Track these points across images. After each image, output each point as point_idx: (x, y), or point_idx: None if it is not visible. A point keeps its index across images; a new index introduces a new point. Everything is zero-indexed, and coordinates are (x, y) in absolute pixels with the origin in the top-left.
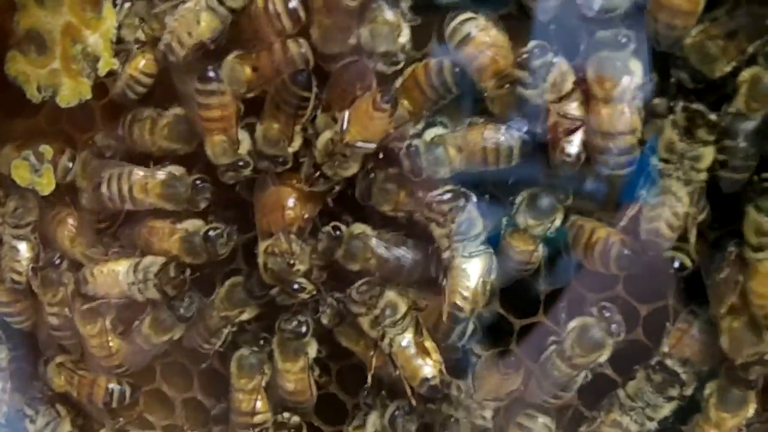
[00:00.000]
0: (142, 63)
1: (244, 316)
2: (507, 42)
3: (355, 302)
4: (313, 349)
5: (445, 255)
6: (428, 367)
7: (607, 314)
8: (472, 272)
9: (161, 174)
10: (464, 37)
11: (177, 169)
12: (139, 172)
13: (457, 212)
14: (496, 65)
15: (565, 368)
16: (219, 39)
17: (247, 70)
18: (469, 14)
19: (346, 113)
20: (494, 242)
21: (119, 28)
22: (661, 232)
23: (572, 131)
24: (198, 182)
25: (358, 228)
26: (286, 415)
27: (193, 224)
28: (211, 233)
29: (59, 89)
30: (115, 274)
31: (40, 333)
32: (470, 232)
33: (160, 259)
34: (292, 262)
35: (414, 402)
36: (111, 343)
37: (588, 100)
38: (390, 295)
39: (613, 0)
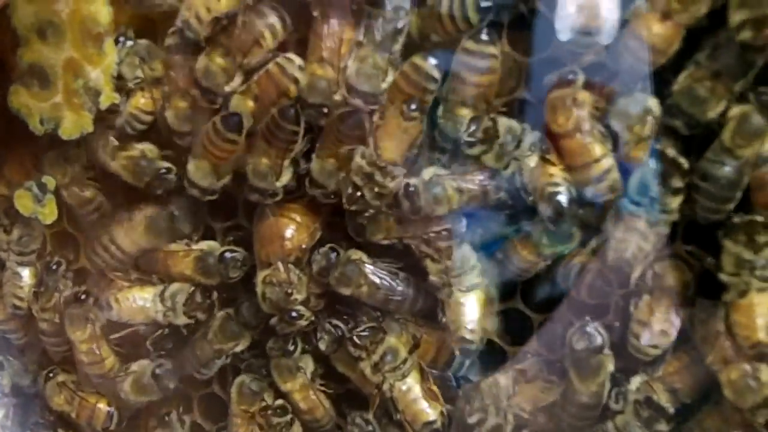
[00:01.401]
0: (142, 101)
1: (239, 348)
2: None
3: (355, 346)
4: (309, 365)
5: (444, 290)
6: (430, 411)
7: (584, 340)
8: (472, 305)
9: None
10: (489, 56)
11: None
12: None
13: (453, 249)
14: (492, 89)
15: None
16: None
17: (249, 103)
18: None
19: (374, 136)
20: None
21: (119, 64)
22: (627, 261)
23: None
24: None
25: (355, 254)
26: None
27: (208, 245)
28: (227, 255)
29: (61, 122)
30: (141, 301)
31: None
32: (466, 266)
33: (186, 287)
34: (290, 291)
35: None
36: (101, 350)
37: (554, 142)
38: (390, 340)
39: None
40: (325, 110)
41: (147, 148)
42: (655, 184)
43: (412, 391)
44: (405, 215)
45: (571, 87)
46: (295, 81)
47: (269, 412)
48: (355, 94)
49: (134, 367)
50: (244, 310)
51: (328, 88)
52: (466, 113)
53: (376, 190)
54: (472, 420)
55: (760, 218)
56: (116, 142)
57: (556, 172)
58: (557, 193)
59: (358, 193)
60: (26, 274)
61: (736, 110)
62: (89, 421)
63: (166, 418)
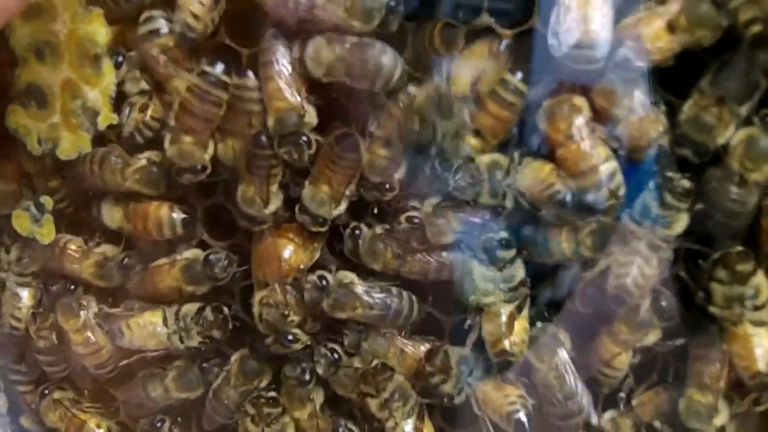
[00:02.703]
0: (151, 108)
1: (263, 384)
2: None
3: (365, 383)
4: (319, 396)
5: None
6: None
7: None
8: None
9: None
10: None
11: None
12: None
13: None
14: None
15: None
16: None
17: (230, 144)
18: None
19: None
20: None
21: (122, 83)
22: (627, 288)
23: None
24: (125, 260)
25: (346, 277)
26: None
27: (193, 253)
28: (211, 257)
29: (59, 142)
30: (152, 326)
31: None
32: (514, 280)
33: (195, 306)
34: (286, 312)
35: None
36: (97, 338)
37: (554, 150)
38: (399, 379)
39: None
40: (305, 138)
41: (151, 154)
42: (657, 205)
43: None
44: (410, 247)
45: (564, 93)
46: (219, 104)
47: (261, 401)
48: None
49: (177, 362)
50: (258, 344)
51: (297, 117)
52: (474, 144)
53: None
54: None
55: (735, 249)
56: (121, 162)
57: (547, 175)
58: (558, 193)
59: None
60: (25, 295)
61: (741, 134)
62: None
63: (158, 425)
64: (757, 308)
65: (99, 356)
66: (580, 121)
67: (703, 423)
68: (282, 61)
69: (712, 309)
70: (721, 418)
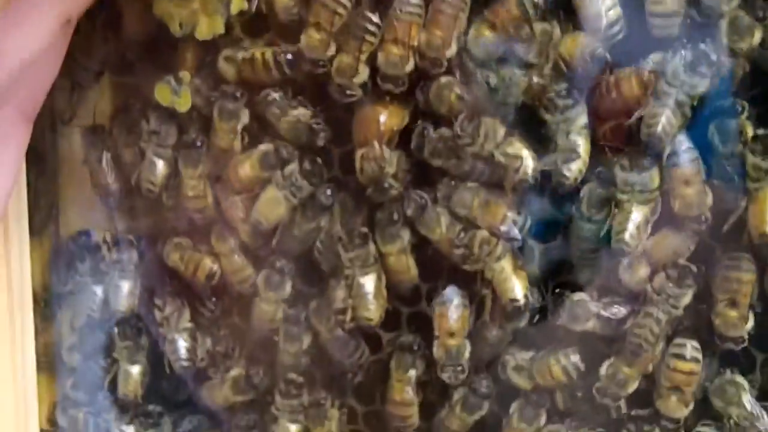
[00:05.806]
0: None
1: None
2: None
3: (460, 137)
4: (406, 235)
5: None
6: (518, 289)
7: None
8: None
9: None
10: None
11: None
12: None
13: None
14: None
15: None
16: None
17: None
18: None
19: None
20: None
21: None
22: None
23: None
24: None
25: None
26: None
27: (267, 146)
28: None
29: (197, 25)
30: (274, 199)
31: None
32: None
33: (294, 163)
34: (383, 165)
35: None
36: (206, 190)
37: None
38: (488, 122)
39: None
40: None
41: (301, 113)
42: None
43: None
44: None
45: None
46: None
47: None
48: None
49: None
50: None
51: None
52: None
53: None
54: None
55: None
56: (278, 111)
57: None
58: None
59: None
60: (161, 164)
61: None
62: (195, 273)
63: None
64: None
65: (204, 201)
66: None
67: None
68: None
69: None
70: None
